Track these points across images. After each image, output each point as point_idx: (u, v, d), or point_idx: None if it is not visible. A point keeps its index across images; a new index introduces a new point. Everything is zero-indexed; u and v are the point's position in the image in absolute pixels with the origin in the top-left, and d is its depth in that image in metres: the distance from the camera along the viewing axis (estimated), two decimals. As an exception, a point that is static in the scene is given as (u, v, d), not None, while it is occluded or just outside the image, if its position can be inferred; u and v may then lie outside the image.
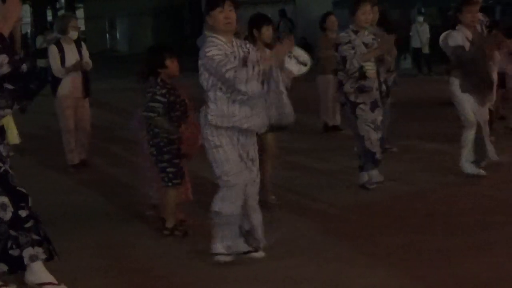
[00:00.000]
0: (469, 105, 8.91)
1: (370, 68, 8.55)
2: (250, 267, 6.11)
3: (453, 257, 6.17)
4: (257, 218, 6.25)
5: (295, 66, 6.95)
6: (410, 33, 24.42)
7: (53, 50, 10.40)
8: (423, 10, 27.21)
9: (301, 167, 9.46)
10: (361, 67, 8.47)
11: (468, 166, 9.02)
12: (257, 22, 7.79)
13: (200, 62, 6.00)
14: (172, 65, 7.00)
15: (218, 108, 5.98)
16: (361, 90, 8.50)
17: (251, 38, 7.60)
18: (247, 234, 6.27)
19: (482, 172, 9.01)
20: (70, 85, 10.41)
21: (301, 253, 6.42)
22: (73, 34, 10.53)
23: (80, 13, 47.79)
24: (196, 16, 36.84)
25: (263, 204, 7.69)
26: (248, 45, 6.20)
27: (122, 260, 6.51)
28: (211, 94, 6.02)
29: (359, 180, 8.73)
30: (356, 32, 8.62)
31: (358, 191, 8.62)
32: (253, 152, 6.18)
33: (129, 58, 26.79)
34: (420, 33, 24.35)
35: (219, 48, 5.94)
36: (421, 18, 25.20)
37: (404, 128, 11.99)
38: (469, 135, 8.96)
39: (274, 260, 6.22)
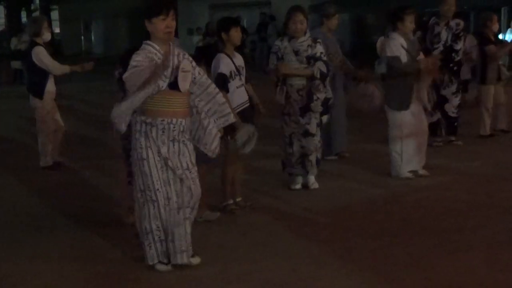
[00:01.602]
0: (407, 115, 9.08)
1: (294, 81, 8.63)
2: (225, 269, 6.10)
3: (427, 260, 6.18)
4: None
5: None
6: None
7: (42, 50, 10.31)
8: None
9: (275, 171, 9.44)
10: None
11: (404, 171, 9.22)
12: (225, 24, 7.84)
13: None
14: None
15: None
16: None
17: (220, 40, 7.73)
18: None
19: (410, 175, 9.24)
20: (53, 87, 10.42)
21: (276, 256, 6.41)
22: (47, 36, 10.51)
23: (55, 15, 47.50)
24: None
25: (223, 208, 7.77)
26: (184, 55, 6.07)
27: (92, 264, 6.45)
28: None
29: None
30: (290, 39, 8.67)
31: (332, 195, 8.63)
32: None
33: (104, 60, 26.63)
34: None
35: (146, 55, 5.87)
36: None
37: (374, 132, 12.03)
38: (409, 142, 9.14)
39: (250, 263, 6.22)
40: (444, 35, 11.08)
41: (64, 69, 10.47)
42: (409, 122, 9.12)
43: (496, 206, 7.87)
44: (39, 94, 10.40)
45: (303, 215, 7.81)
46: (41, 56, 10.28)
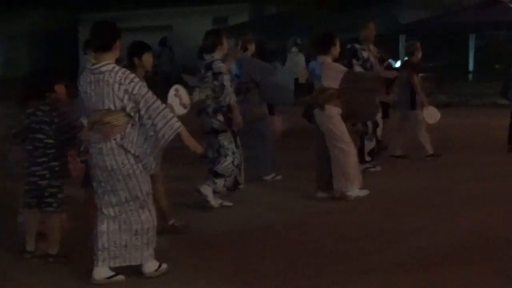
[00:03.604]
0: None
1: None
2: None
3: (326, 285, 6.24)
4: None
5: (178, 106, 7.05)
6: (286, 63, 24.76)
7: None
8: (299, 41, 27.74)
9: (181, 193, 9.46)
10: None
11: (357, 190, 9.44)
12: (137, 49, 7.76)
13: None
14: (60, 89, 6.91)
15: None
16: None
17: (131, 66, 7.52)
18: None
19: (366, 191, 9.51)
20: None
21: (175, 282, 6.39)
22: None
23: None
24: (72, 41, 36.42)
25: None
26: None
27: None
28: None
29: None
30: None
31: (233, 218, 8.66)
32: None
33: (2, 83, 26.13)
34: (297, 64, 24.72)
35: None
36: (296, 49, 25.66)
37: (281, 157, 12.12)
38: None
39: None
40: (372, 59, 11.31)
41: None
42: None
43: (398, 229, 7.99)
44: None
45: (203, 237, 7.80)
46: None
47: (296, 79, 24.84)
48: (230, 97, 9.00)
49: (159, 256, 6.82)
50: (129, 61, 7.63)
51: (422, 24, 26.16)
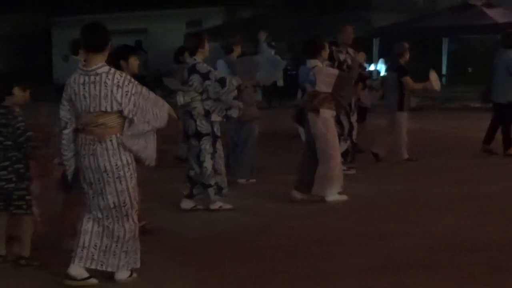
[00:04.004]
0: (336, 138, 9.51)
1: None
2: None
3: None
4: None
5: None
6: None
7: None
8: (273, 43, 27.75)
9: (157, 195, 9.44)
10: None
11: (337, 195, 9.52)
12: (124, 52, 7.75)
13: None
14: (20, 93, 6.84)
15: None
16: None
17: (117, 68, 7.48)
18: None
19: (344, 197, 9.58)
20: None
21: (145, 286, 6.37)
22: None
23: None
24: (45, 44, 36.24)
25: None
26: None
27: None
28: None
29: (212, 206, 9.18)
30: None
31: (208, 222, 8.65)
32: None
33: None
34: (274, 66, 24.69)
35: None
36: (273, 51, 25.63)
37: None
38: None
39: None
40: (349, 61, 11.35)
41: None
42: None
43: (371, 233, 7.99)
44: None
45: (176, 242, 7.76)
46: None
47: (275, 82, 24.92)
48: (234, 80, 9.12)
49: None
50: (115, 64, 7.59)
51: (395, 27, 26.30)
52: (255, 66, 11.27)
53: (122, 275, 6.37)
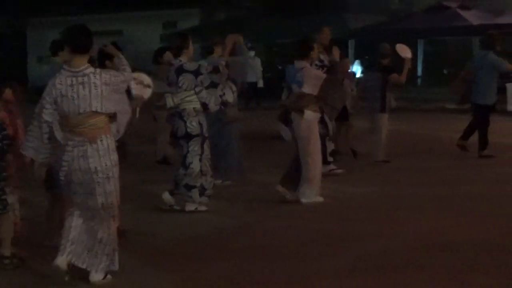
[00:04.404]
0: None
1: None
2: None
3: (274, 289, 6.27)
4: None
5: (143, 90, 7.09)
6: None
7: None
8: (249, 45, 27.78)
9: (128, 199, 9.41)
10: None
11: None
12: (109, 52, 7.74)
13: None
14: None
15: None
16: None
17: (102, 68, 7.52)
18: None
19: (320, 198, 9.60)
20: None
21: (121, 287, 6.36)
22: None
23: None
24: (20, 45, 36.04)
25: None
26: None
27: None
28: None
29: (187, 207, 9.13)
30: None
31: (183, 223, 8.64)
32: None
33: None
34: (254, 68, 24.78)
35: None
36: (252, 53, 25.70)
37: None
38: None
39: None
40: (326, 62, 11.36)
41: None
42: None
43: (348, 234, 7.99)
44: None
45: (152, 243, 7.75)
46: None
47: (255, 83, 24.97)
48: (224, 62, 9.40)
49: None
50: (100, 64, 7.61)
51: (371, 29, 26.39)
52: (245, 67, 11.32)
53: (98, 276, 6.36)
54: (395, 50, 12.66)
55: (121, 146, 7.20)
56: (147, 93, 7.34)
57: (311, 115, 9.47)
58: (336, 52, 11.14)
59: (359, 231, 8.13)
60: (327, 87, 9.60)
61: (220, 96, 9.45)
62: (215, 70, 9.20)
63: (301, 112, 9.46)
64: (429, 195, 9.98)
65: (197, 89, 9.08)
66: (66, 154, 6.23)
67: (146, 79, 7.36)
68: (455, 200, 9.68)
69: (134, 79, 7.54)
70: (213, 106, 9.26)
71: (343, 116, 12.93)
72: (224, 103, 9.48)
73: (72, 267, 6.28)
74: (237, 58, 10.90)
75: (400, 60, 12.64)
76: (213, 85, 9.28)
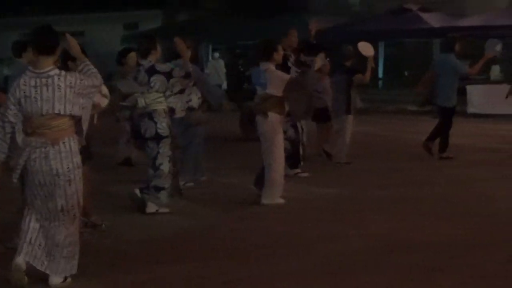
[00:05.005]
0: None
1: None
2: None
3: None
4: None
5: (101, 99, 7.07)
6: (206, 70, 24.70)
7: None
8: (211, 48, 27.80)
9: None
10: None
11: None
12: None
13: None
14: None
15: None
16: None
17: (65, 69, 7.45)
18: None
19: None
20: None
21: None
22: None
23: None
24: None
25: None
26: None
27: None
28: None
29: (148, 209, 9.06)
30: None
31: (146, 225, 8.60)
32: None
33: None
34: (218, 69, 24.74)
35: None
36: (217, 55, 25.67)
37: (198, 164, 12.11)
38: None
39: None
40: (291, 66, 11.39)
41: None
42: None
43: (309, 236, 8.01)
44: None
45: (111, 246, 7.71)
46: None
47: (220, 85, 24.91)
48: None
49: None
50: (63, 65, 7.57)
51: (332, 31, 26.46)
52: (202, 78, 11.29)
53: (57, 280, 6.34)
54: (358, 50, 12.73)
55: (85, 148, 7.18)
56: (104, 102, 7.33)
57: (275, 117, 9.48)
58: (318, 61, 11.18)
59: (323, 232, 8.15)
60: (291, 89, 9.58)
61: (187, 101, 9.44)
62: (187, 75, 9.17)
63: (265, 114, 9.47)
64: (392, 196, 10.04)
65: (166, 93, 9.09)
66: (24, 156, 6.19)
67: (104, 89, 7.34)
68: (417, 201, 9.75)
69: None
70: (180, 112, 9.26)
71: (324, 117, 13.04)
72: (190, 108, 9.46)
73: (31, 268, 6.25)
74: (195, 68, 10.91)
75: (364, 61, 12.71)
76: (180, 91, 9.27)
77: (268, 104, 9.49)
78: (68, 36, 6.45)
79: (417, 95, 14.70)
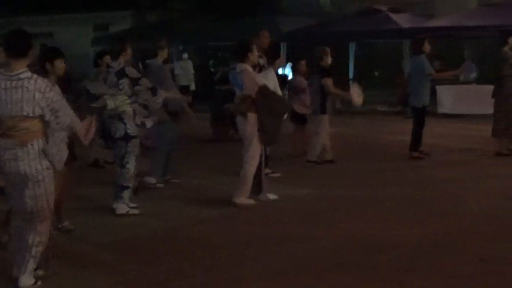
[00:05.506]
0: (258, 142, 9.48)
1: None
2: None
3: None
4: None
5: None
6: (176, 72, 24.66)
7: None
8: (181, 48, 27.70)
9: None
10: None
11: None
12: (50, 55, 7.73)
13: None
14: None
15: None
16: None
17: (43, 71, 7.46)
18: None
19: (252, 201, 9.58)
20: None
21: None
22: None
23: None
24: None
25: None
26: None
27: None
28: None
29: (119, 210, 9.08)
30: None
31: (115, 227, 8.57)
32: None
33: None
34: (186, 70, 24.67)
35: None
36: (186, 55, 25.57)
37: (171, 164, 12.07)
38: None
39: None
40: (265, 66, 11.36)
41: None
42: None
43: (280, 237, 8.00)
44: None
45: (83, 249, 7.68)
46: None
47: (188, 86, 24.84)
48: (164, 93, 9.44)
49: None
50: (41, 67, 7.56)
51: (302, 32, 26.50)
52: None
53: (27, 281, 6.31)
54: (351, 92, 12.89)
55: (70, 149, 7.16)
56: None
57: (254, 117, 9.44)
58: (278, 63, 11.19)
59: (294, 232, 8.15)
60: (262, 96, 9.50)
61: (144, 116, 9.37)
62: (153, 91, 9.23)
63: (244, 115, 9.45)
64: (363, 197, 10.06)
65: (131, 99, 9.11)
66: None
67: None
68: (390, 201, 9.76)
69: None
70: (137, 120, 9.24)
71: (300, 118, 13.06)
72: (143, 124, 9.40)
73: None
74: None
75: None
76: (145, 106, 9.29)
77: (246, 105, 9.46)
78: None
79: (390, 95, 14.82)
